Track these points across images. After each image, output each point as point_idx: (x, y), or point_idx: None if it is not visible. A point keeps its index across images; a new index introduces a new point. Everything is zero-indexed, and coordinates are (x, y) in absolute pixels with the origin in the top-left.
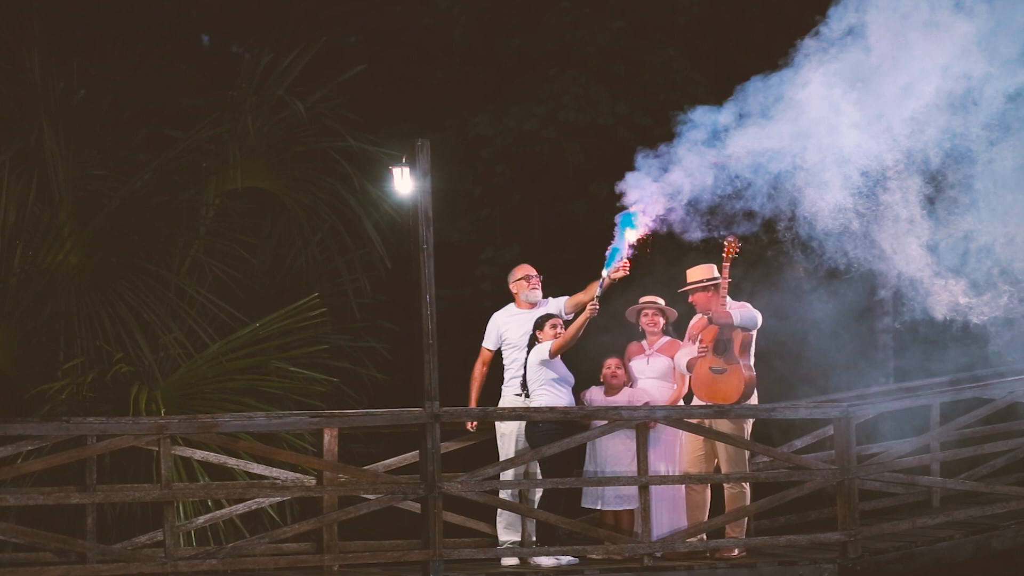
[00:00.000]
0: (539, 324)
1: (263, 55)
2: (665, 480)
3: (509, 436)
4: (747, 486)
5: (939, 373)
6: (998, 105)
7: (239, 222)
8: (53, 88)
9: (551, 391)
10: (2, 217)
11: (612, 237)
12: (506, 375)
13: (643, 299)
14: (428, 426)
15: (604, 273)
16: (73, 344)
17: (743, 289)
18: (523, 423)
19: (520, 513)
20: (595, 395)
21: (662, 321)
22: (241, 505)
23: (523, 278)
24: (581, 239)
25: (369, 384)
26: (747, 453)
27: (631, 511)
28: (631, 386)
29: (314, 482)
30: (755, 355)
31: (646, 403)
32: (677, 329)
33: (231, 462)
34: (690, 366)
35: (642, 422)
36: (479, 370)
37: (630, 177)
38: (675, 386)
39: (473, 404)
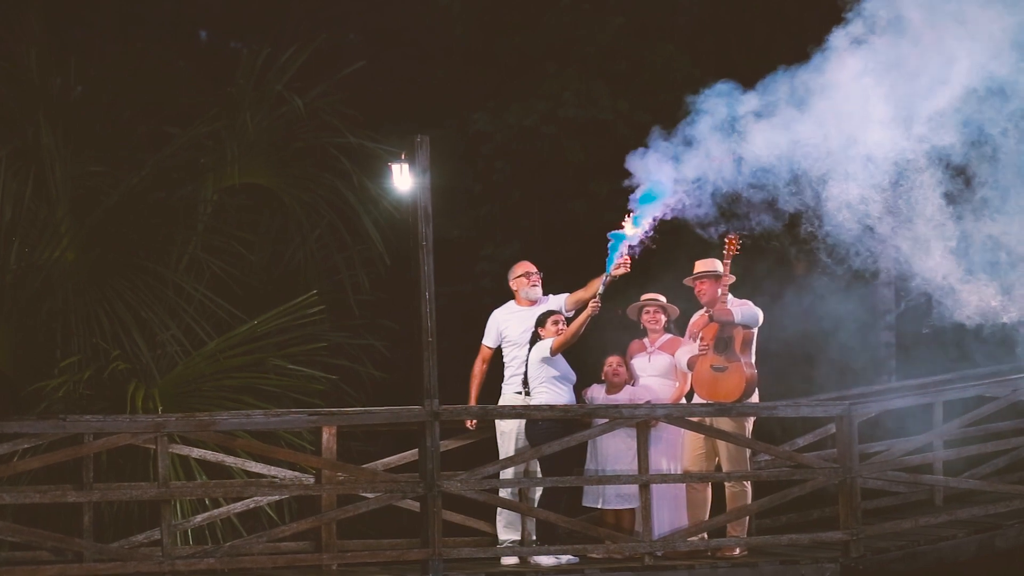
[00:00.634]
0: (541, 321)
1: (262, 51)
2: (666, 479)
3: (509, 434)
4: (748, 485)
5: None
6: None
7: (237, 219)
8: (51, 85)
9: (552, 389)
10: None
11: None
12: (506, 373)
13: (644, 296)
14: (427, 424)
15: (609, 270)
16: (70, 341)
17: (746, 284)
18: (523, 421)
19: (520, 512)
20: (596, 393)
21: (664, 318)
22: (239, 504)
23: (523, 275)
24: (581, 237)
25: (368, 382)
26: (748, 451)
27: (632, 510)
28: (632, 384)
29: (312, 480)
30: (756, 352)
31: (647, 401)
32: (678, 327)
33: (229, 460)
34: (691, 364)
35: (643, 420)
36: (479, 368)
37: (644, 159)
38: (677, 384)
39: (473, 402)
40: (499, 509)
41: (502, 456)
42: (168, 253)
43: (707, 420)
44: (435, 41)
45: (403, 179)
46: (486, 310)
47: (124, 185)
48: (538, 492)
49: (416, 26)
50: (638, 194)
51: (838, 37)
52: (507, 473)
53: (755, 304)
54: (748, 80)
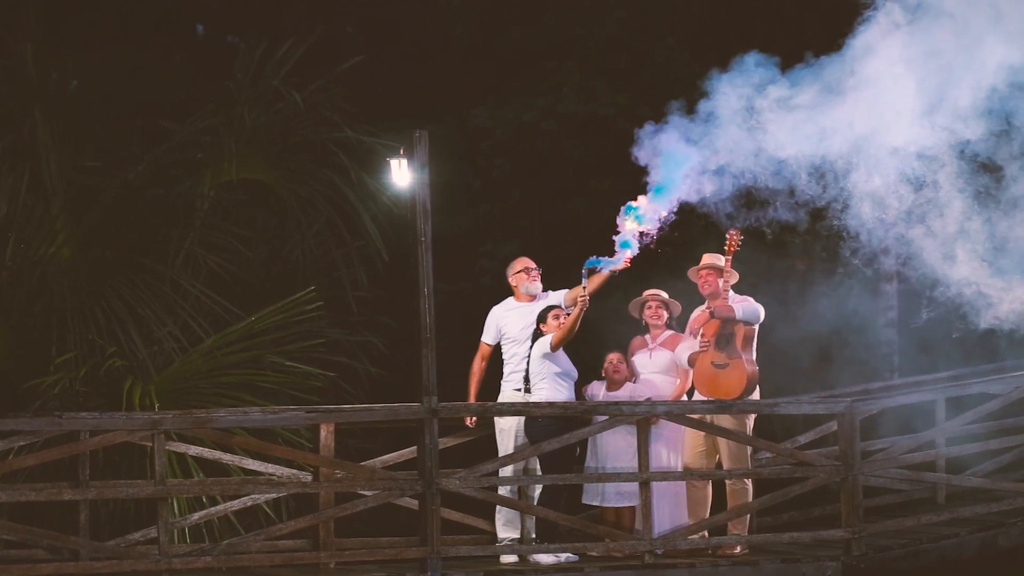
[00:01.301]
0: (542, 317)
1: (259, 45)
2: (666, 476)
3: (508, 432)
4: (749, 482)
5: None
6: None
7: (234, 214)
8: (47, 81)
9: (552, 385)
10: None
11: (612, 231)
12: (505, 370)
13: (646, 292)
14: (426, 422)
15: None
16: (66, 338)
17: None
18: (522, 418)
19: (519, 510)
20: (596, 390)
21: (665, 314)
22: (236, 501)
23: (523, 270)
24: (581, 235)
25: (366, 379)
26: (749, 449)
27: (632, 508)
28: (633, 381)
29: (310, 478)
30: (757, 349)
31: (648, 398)
32: (679, 324)
33: (226, 458)
34: (691, 361)
35: (644, 418)
36: (478, 365)
37: (658, 139)
38: (678, 381)
39: (472, 399)
40: (498, 507)
41: (501, 454)
42: (165, 249)
43: (708, 417)
44: (434, 36)
45: (402, 174)
46: (485, 308)
47: (120, 181)
48: (538, 490)
49: (415, 21)
50: (653, 183)
51: (867, 26)
52: (506, 471)
53: (756, 300)
54: None
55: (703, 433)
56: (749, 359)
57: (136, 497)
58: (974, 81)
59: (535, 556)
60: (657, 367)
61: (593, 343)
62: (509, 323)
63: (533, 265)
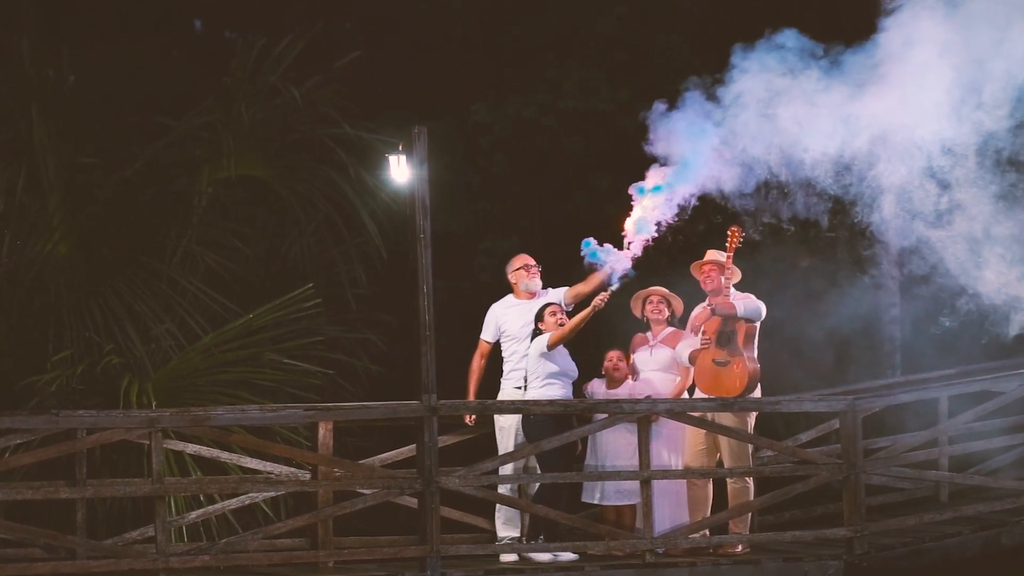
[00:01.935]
0: (539, 315)
1: (257, 41)
2: (667, 475)
3: (508, 430)
4: (751, 481)
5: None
6: None
7: (232, 211)
8: (44, 76)
9: (549, 384)
10: None
11: (613, 228)
12: (505, 368)
13: (648, 289)
14: (425, 419)
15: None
16: (62, 335)
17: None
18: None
19: (519, 508)
20: (596, 388)
21: (667, 311)
22: (234, 500)
23: (522, 267)
24: (581, 233)
25: (365, 377)
26: (751, 447)
27: (633, 506)
28: (633, 379)
29: (309, 476)
30: (759, 347)
31: (647, 396)
32: (680, 321)
33: (224, 456)
34: (692, 358)
35: (644, 415)
36: (477, 363)
37: (671, 121)
38: (679, 378)
39: (471, 397)
40: (498, 505)
41: (501, 452)
42: (162, 246)
43: (709, 415)
44: (433, 31)
45: (401, 171)
46: (484, 305)
47: (117, 177)
48: (534, 488)
49: (414, 16)
50: (669, 174)
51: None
52: (506, 469)
53: (758, 297)
54: None
55: (704, 431)
56: (751, 356)
57: (133, 495)
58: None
59: (530, 554)
60: (657, 364)
61: (593, 340)
62: (509, 320)
63: (533, 262)
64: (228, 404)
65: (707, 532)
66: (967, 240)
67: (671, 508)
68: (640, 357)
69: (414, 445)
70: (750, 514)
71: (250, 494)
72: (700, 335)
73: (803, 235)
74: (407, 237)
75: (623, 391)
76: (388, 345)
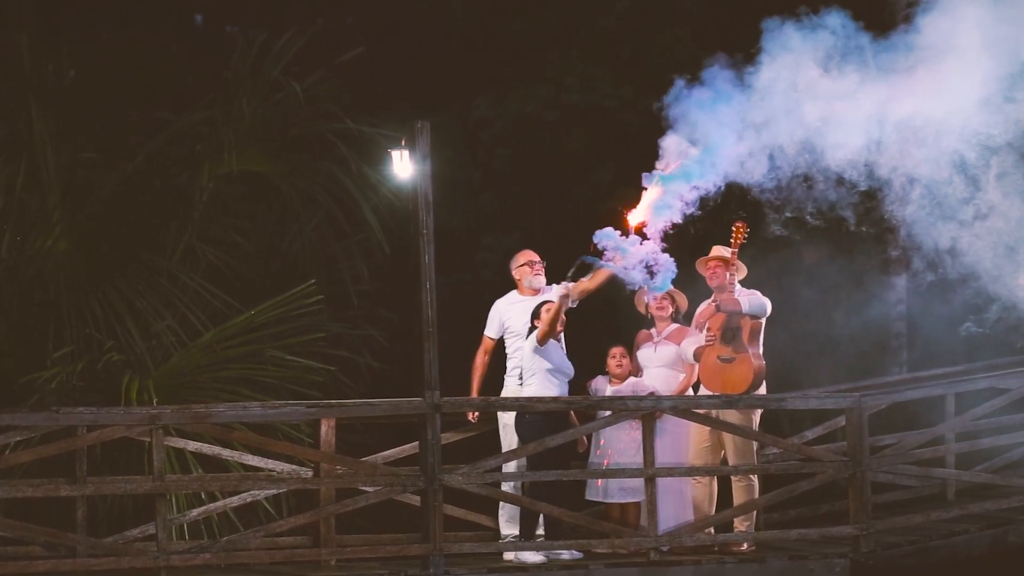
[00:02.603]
0: (535, 312)
1: (258, 36)
2: (671, 472)
3: (511, 427)
4: (756, 479)
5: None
6: None
7: (233, 207)
8: (43, 72)
9: (543, 381)
10: None
11: (614, 224)
12: (508, 364)
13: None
14: (428, 416)
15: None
16: (63, 332)
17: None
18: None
19: (523, 506)
20: (601, 385)
21: (671, 307)
22: (235, 498)
23: (526, 264)
24: (582, 229)
25: (367, 373)
26: (756, 445)
27: (637, 504)
28: (637, 376)
29: (311, 474)
30: (764, 343)
31: (651, 393)
32: (685, 318)
33: (225, 453)
34: (697, 355)
35: (648, 412)
36: (480, 359)
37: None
38: (683, 375)
39: (474, 394)
40: (501, 503)
41: (504, 449)
42: (163, 243)
43: (714, 412)
44: (435, 27)
45: (403, 166)
46: (487, 301)
47: (118, 174)
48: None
49: (415, 11)
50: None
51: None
52: (510, 466)
53: (763, 294)
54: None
55: (708, 428)
56: (756, 353)
57: (134, 493)
58: None
59: (519, 554)
60: (662, 361)
61: (597, 337)
62: (512, 317)
63: (537, 258)
64: (229, 401)
65: (712, 530)
66: (981, 237)
67: (675, 506)
68: (644, 354)
69: (417, 442)
70: (755, 512)
71: (252, 492)
72: (705, 332)
73: (825, 230)
74: (409, 233)
75: (626, 388)
76: (390, 341)
